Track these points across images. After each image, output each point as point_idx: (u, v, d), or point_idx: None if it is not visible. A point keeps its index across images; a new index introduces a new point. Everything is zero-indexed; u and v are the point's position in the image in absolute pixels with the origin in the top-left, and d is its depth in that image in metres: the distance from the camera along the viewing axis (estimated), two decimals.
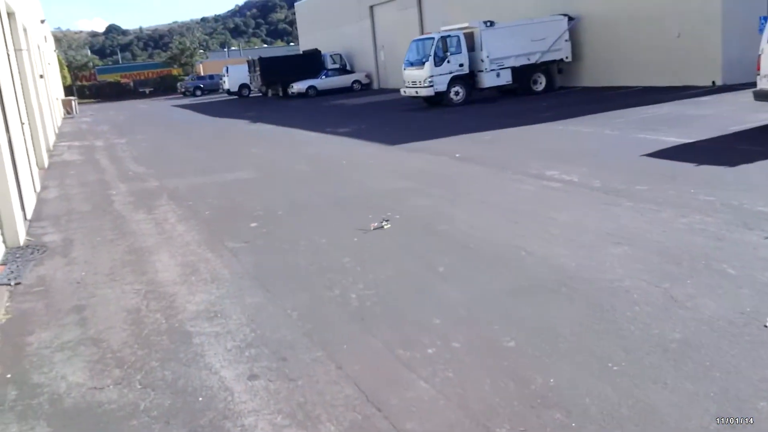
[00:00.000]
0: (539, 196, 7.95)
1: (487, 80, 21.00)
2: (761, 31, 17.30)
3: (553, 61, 21.83)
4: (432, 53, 20.44)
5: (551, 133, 13.27)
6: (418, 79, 21.06)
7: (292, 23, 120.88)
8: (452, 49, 20.59)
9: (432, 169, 10.52)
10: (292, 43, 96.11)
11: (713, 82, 17.53)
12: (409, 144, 13.51)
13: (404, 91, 22.11)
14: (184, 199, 9.85)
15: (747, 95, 15.21)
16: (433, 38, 20.70)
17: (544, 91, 21.75)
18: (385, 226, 7.10)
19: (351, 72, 38.00)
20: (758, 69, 10.73)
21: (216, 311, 5.04)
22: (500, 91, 21.89)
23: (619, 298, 4.59)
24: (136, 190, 11.07)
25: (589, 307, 4.49)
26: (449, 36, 20.63)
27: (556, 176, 8.86)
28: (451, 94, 20.90)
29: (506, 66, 21.04)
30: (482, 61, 20.78)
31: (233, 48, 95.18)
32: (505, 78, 21.17)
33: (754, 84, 16.98)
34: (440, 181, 9.43)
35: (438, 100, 21.05)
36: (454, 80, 20.83)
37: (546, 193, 8.03)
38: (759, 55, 10.69)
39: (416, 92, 21.34)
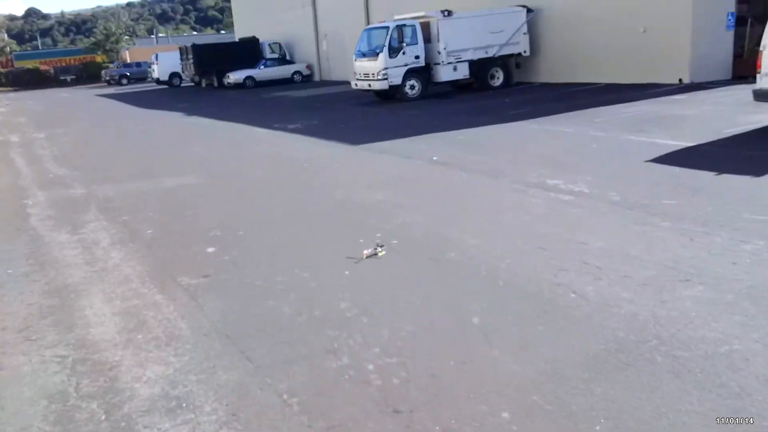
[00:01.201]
0: (554, 212, 6.73)
1: (444, 74, 19.78)
2: (729, 27, 16.89)
3: (511, 55, 20.82)
4: (386, 44, 19.01)
5: (530, 132, 12.15)
6: (371, 72, 19.61)
7: (223, 11, 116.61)
8: (408, 40, 19.24)
9: (412, 176, 9.17)
10: (223, 31, 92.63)
11: (680, 80, 16.90)
12: (374, 144, 12.13)
13: (355, 84, 20.64)
14: (118, 212, 8.17)
15: (723, 94, 14.62)
16: (387, 27, 19.26)
17: (501, 87, 20.75)
18: (380, 254, 5.74)
19: (291, 62, 36.12)
20: (758, 67, 9.88)
21: (178, 397, 3.57)
22: (454, 85, 20.77)
23: (741, 374, 3.39)
24: (57, 199, 9.27)
25: (710, 390, 3.27)
26: (405, 25, 19.26)
27: (562, 186, 7.69)
28: (407, 88, 19.58)
29: (464, 59, 19.87)
30: (439, 53, 19.52)
31: (161, 35, 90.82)
32: (463, 72, 20.02)
33: (723, 83, 16.61)
34: (427, 192, 8.11)
35: (391, 94, 19.71)
36: (410, 73, 19.50)
37: (560, 209, 6.82)
38: (760, 52, 9.82)
39: (369, 85, 19.91)
